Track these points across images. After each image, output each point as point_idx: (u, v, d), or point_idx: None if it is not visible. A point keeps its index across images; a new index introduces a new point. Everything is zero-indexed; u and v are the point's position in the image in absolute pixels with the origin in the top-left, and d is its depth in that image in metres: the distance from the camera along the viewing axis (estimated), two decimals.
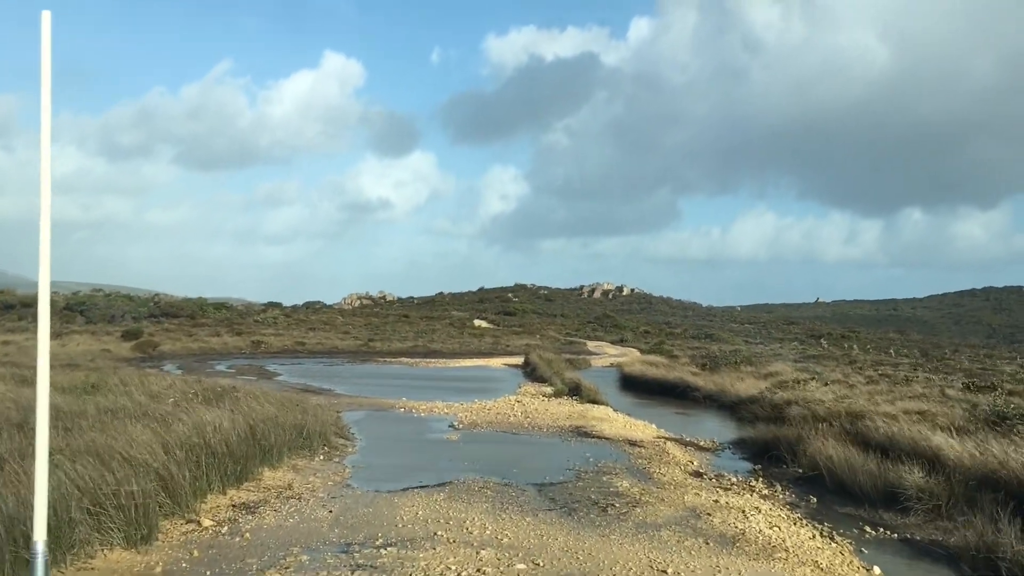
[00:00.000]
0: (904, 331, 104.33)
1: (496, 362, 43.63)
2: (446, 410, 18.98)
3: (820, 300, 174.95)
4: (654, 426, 17.50)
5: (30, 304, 60.48)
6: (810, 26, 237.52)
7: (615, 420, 17.76)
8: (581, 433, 15.74)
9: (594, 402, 21.25)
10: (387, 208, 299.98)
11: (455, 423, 16.91)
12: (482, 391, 26.62)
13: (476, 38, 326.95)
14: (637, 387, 30.04)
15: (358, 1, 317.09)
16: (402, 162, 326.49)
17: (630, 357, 55.18)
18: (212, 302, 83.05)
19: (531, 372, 34.56)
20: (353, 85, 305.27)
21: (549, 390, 25.95)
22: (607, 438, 15.11)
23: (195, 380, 18.90)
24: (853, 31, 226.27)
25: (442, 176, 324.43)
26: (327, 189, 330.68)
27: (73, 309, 69.36)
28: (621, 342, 71.24)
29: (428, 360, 43.79)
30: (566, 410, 19.38)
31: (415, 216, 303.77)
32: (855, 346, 73.32)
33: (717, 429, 18.54)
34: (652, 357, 38.82)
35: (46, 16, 4.22)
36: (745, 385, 22.68)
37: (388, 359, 44.50)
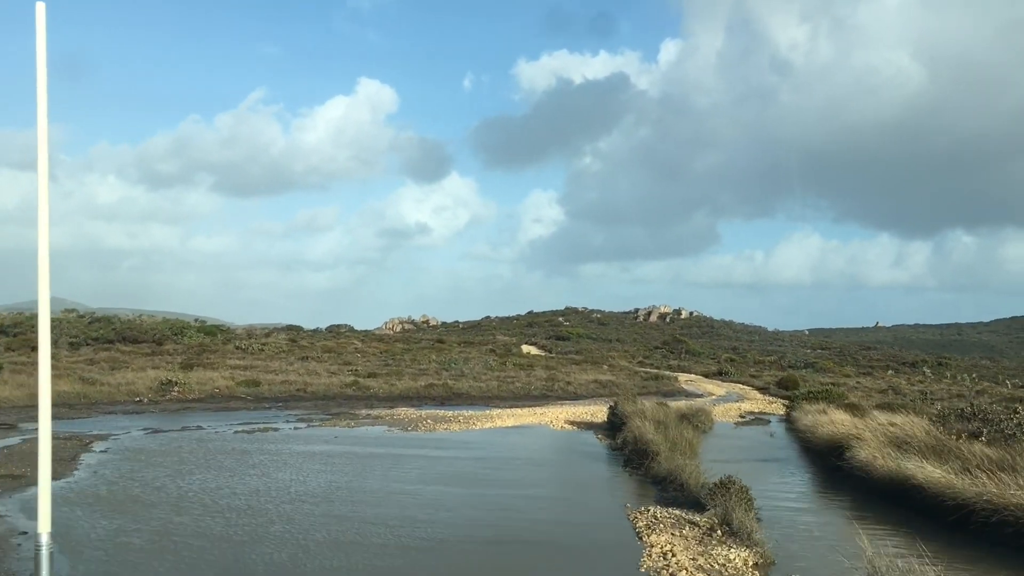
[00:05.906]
0: (994, 359, 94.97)
1: (555, 416, 26.37)
2: None
3: (880, 325, 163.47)
4: None
5: None
6: (839, 46, 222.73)
7: None
8: None
9: None
10: (425, 233, 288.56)
11: None
12: None
13: (508, 63, 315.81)
14: (883, 503, 12.66)
15: (392, 29, 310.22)
16: (438, 187, 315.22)
17: (753, 401, 37.19)
18: (210, 325, 67.75)
19: (632, 452, 17.22)
20: (386, 111, 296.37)
21: None
22: None
23: None
24: (884, 50, 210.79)
25: (481, 201, 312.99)
26: (366, 215, 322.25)
27: (6, 331, 54.24)
28: (719, 375, 52.95)
29: (441, 413, 26.76)
30: None
31: (455, 241, 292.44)
32: (965, 376, 56.29)
33: None
34: (838, 414, 21.03)
35: (40, 8, 4.24)
36: None
37: (378, 410, 27.62)
